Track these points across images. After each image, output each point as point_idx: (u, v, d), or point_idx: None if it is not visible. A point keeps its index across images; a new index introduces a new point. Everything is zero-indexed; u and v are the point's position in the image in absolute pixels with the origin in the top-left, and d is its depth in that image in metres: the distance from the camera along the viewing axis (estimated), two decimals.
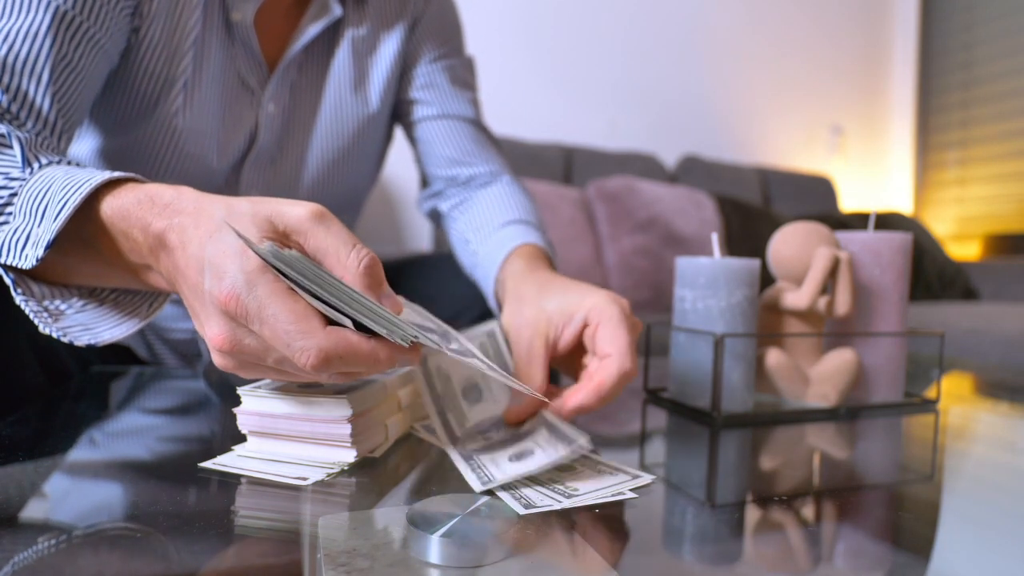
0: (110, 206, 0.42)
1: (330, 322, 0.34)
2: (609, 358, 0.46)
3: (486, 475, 0.36)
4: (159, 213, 0.39)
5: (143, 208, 0.40)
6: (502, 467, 0.37)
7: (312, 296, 0.33)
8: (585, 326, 0.49)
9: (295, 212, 0.36)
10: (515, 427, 0.45)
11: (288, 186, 0.77)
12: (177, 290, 0.41)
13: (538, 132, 2.31)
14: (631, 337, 0.47)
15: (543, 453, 0.37)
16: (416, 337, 0.33)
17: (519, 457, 0.38)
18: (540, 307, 0.51)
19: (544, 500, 0.34)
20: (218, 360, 0.37)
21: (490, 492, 0.35)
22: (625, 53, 2.53)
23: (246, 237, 0.34)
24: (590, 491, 0.36)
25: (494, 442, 0.42)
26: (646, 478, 0.38)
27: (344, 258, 0.36)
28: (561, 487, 0.36)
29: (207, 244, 0.35)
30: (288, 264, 0.33)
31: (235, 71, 0.70)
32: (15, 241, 0.43)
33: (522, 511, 0.32)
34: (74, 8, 0.55)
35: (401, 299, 0.40)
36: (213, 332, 0.35)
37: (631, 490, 0.36)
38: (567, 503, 0.34)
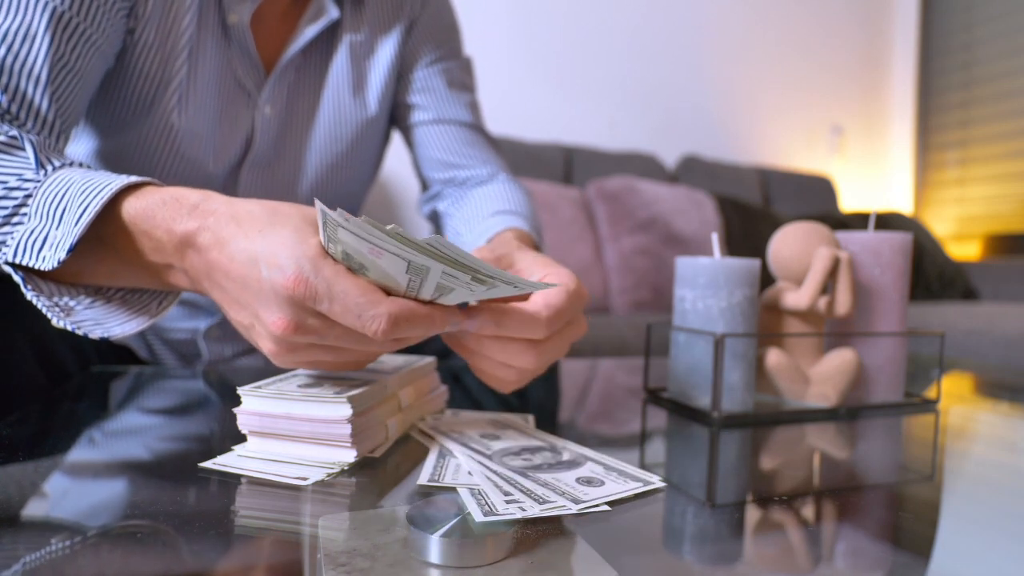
0: (133, 207, 0.43)
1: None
2: (531, 304, 0.43)
3: (569, 496, 0.35)
4: (187, 214, 0.41)
5: (169, 209, 0.42)
6: (577, 489, 0.36)
7: (404, 253, 0.34)
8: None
9: None
10: (553, 452, 0.43)
11: (286, 189, 0.76)
12: (203, 287, 0.42)
13: (538, 132, 2.31)
14: (567, 308, 0.43)
15: (613, 484, 0.37)
16: (492, 280, 0.36)
17: (589, 483, 0.37)
18: (511, 252, 0.49)
19: (507, 508, 0.32)
20: (271, 346, 0.38)
21: (446, 488, 0.35)
22: (625, 53, 2.53)
23: (344, 213, 0.34)
24: (597, 497, 0.35)
25: (539, 464, 0.40)
26: (648, 486, 0.37)
27: None
28: (550, 491, 0.36)
29: (257, 238, 0.37)
30: (386, 232, 0.34)
31: (231, 73, 0.70)
32: (31, 243, 0.44)
33: (480, 518, 0.30)
34: (70, 9, 0.56)
35: None
36: (275, 318, 0.37)
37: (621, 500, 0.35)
38: (535, 511, 0.32)
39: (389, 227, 0.34)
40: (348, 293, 0.35)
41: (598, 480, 0.37)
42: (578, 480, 0.37)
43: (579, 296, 0.45)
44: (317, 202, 0.38)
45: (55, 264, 0.43)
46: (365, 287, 0.36)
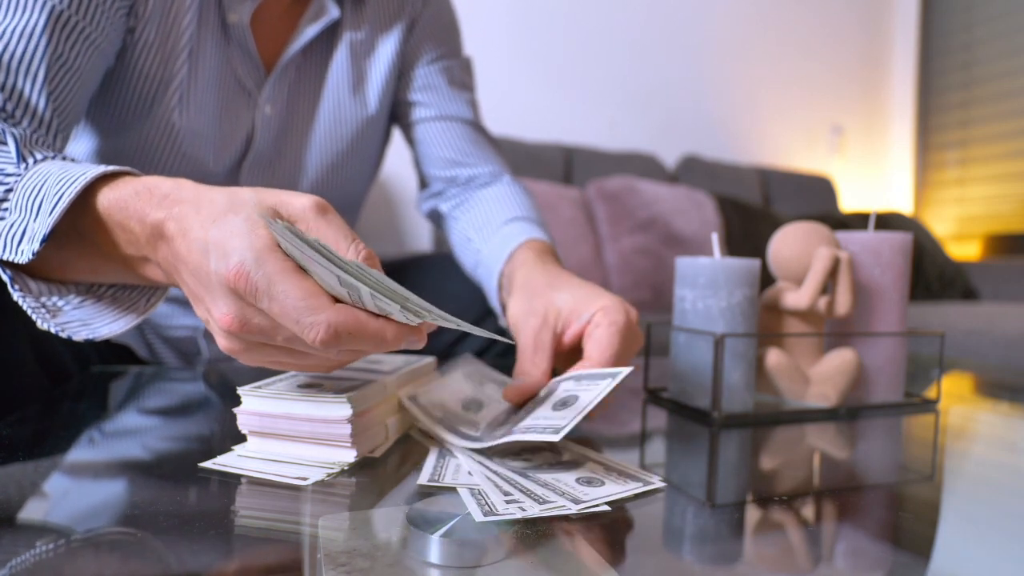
0: (107, 198, 0.42)
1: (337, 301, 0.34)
2: (590, 361, 0.46)
3: (548, 424, 0.35)
4: (157, 204, 0.39)
5: (141, 199, 0.40)
6: (551, 417, 0.36)
7: (333, 268, 0.32)
8: (589, 324, 0.48)
9: (299, 203, 0.37)
10: (554, 452, 0.43)
11: (286, 189, 0.76)
12: (176, 280, 0.41)
13: (538, 132, 2.31)
14: (623, 348, 0.46)
15: (587, 392, 0.37)
16: (425, 314, 0.34)
17: (564, 405, 0.37)
18: (551, 299, 0.51)
19: (507, 508, 0.32)
20: (224, 343, 0.37)
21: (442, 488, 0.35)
22: (625, 53, 2.53)
23: (267, 218, 0.34)
24: (597, 497, 0.35)
25: (539, 464, 0.41)
26: (648, 486, 0.38)
27: (344, 250, 0.36)
28: (558, 491, 0.36)
29: (211, 227, 0.35)
30: (307, 243, 0.33)
31: (232, 72, 0.70)
32: (11, 236, 0.43)
33: (480, 518, 0.31)
34: (69, 7, 0.56)
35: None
36: (221, 312, 0.35)
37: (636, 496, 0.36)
38: (535, 511, 0.32)
39: (312, 238, 0.32)
40: (288, 294, 0.33)
41: (598, 480, 0.37)
42: (578, 480, 0.37)
43: (631, 330, 0.47)
44: (260, 193, 0.36)
45: (30, 256, 0.42)
46: (309, 290, 0.33)
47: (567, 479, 0.37)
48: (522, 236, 0.69)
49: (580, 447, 0.44)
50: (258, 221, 0.35)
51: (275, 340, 0.35)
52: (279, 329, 0.34)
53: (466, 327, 0.34)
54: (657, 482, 0.38)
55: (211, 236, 0.35)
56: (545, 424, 0.37)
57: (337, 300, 0.34)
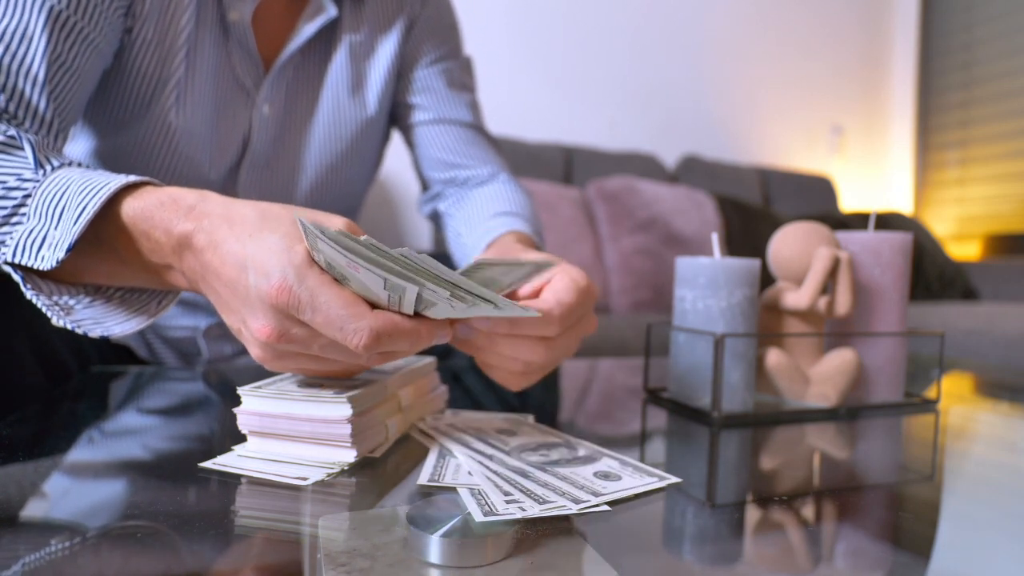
0: (132, 207, 0.43)
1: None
2: (543, 302, 0.43)
3: (586, 492, 0.35)
4: (184, 215, 0.41)
5: (167, 210, 0.42)
6: (593, 482, 0.37)
7: (381, 269, 0.34)
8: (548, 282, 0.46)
9: (332, 224, 0.39)
10: (570, 449, 0.43)
11: (285, 190, 0.76)
12: (200, 288, 0.42)
13: (538, 132, 2.31)
14: (578, 303, 0.44)
15: (630, 478, 0.38)
16: (469, 298, 0.35)
17: (606, 477, 0.38)
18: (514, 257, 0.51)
19: (507, 508, 0.32)
20: (258, 352, 0.39)
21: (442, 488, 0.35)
22: (625, 53, 2.53)
23: (319, 225, 0.34)
24: (616, 490, 0.36)
25: (556, 459, 0.41)
26: (664, 481, 0.38)
27: None
28: (557, 490, 0.36)
29: (248, 242, 0.37)
30: (359, 243, 0.34)
31: (230, 71, 0.70)
32: (30, 242, 0.44)
33: (480, 518, 0.31)
34: (68, 8, 0.56)
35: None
36: (260, 325, 0.37)
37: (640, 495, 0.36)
38: (535, 511, 0.32)
39: (363, 238, 0.34)
40: (331, 304, 0.35)
41: (615, 475, 0.38)
42: (595, 474, 0.38)
43: (589, 293, 0.45)
44: (296, 211, 0.38)
45: (54, 264, 0.43)
46: (349, 299, 0.35)
47: (585, 473, 0.38)
48: (504, 228, 0.70)
49: (593, 445, 0.44)
50: (295, 236, 0.37)
51: (311, 349, 0.37)
52: (317, 338, 0.37)
53: (510, 310, 0.35)
54: (672, 478, 0.38)
55: (249, 252, 0.37)
56: (587, 490, 0.36)
57: (374, 306, 0.36)
